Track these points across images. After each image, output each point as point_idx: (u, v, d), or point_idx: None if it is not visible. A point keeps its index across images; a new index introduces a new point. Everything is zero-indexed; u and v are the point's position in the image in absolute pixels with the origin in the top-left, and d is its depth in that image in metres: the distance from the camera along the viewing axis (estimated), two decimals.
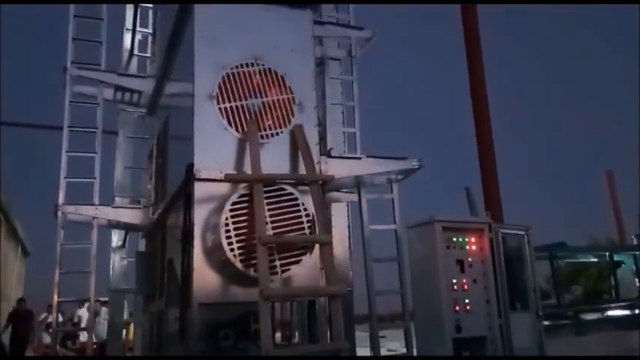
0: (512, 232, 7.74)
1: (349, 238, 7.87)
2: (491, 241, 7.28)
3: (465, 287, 7.03)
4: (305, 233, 4.71)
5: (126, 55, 8.70)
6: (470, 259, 7.19)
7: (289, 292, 4.80)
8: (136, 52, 8.75)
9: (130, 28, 8.69)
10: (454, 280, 6.99)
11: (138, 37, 8.78)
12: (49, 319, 13.35)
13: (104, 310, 11.62)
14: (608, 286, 22.19)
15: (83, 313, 14.61)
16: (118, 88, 7.41)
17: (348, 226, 7.92)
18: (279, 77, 5.16)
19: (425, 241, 7.18)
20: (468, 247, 7.25)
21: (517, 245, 7.80)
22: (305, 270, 4.71)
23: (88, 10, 7.56)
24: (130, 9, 8.75)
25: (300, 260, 4.64)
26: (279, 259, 4.56)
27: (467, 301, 6.97)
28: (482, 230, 7.35)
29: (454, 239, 7.17)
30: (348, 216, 7.91)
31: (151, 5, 8.76)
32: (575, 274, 25.60)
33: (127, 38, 8.72)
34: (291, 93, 5.16)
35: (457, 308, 6.89)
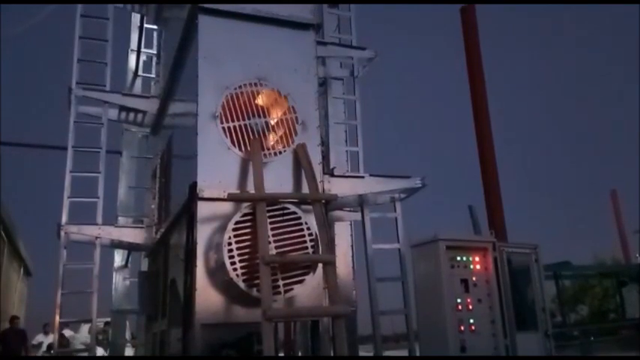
0: (518, 250, 7.68)
1: (352, 257, 7.83)
2: (495, 260, 7.22)
3: (470, 307, 6.95)
4: (308, 252, 4.69)
5: (130, 75, 8.79)
6: (474, 279, 7.12)
7: (292, 312, 4.77)
8: (140, 72, 8.85)
9: (135, 49, 8.79)
10: (459, 300, 6.92)
11: (142, 58, 8.88)
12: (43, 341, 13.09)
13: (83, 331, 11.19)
14: (614, 305, 21.97)
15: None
16: (122, 108, 7.46)
17: (352, 246, 7.88)
18: (283, 97, 5.20)
19: (429, 260, 7.13)
20: (472, 266, 7.18)
21: (524, 264, 7.71)
22: (308, 290, 4.68)
23: (94, 31, 7.64)
24: (135, 31, 8.86)
25: (304, 280, 4.62)
26: (282, 279, 4.54)
27: (472, 321, 6.89)
28: (487, 249, 7.29)
29: (458, 258, 7.11)
30: (351, 235, 7.87)
31: (155, 27, 8.86)
32: (581, 293, 25.38)
33: (132, 59, 8.82)
34: (294, 112, 5.18)
35: (462, 328, 6.81)
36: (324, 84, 7.13)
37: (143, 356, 7.57)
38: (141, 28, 8.80)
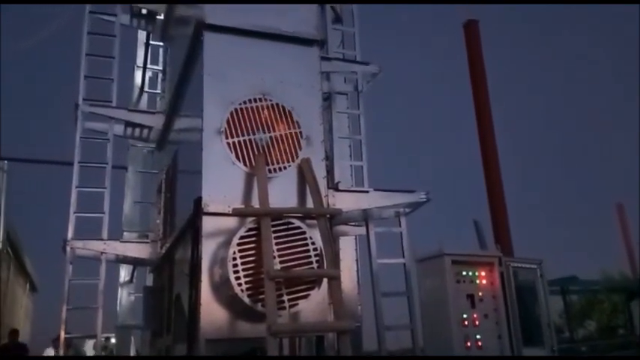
0: (524, 265, 7.63)
1: (357, 272, 7.80)
2: (501, 275, 7.17)
3: (476, 323, 6.90)
4: (313, 267, 4.68)
5: (136, 91, 8.88)
6: (480, 294, 7.08)
7: (297, 327, 4.74)
8: (146, 88, 8.94)
9: (141, 65, 8.88)
10: (465, 316, 6.87)
11: (148, 74, 8.97)
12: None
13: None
14: (622, 320, 21.73)
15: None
16: (128, 123, 7.51)
17: (356, 260, 7.86)
18: (287, 112, 5.23)
19: (434, 275, 7.09)
20: (478, 281, 7.14)
21: (530, 279, 7.66)
22: (313, 305, 4.66)
23: (100, 48, 7.73)
24: (141, 47, 8.97)
25: (309, 295, 4.60)
26: (287, 294, 4.52)
27: (478, 336, 6.83)
28: (493, 264, 7.25)
29: (464, 273, 7.07)
30: (356, 250, 7.86)
31: (161, 44, 8.96)
32: (588, 308, 25.11)
33: (138, 75, 8.91)
34: (299, 127, 5.21)
35: (468, 344, 6.75)
36: (328, 99, 7.17)
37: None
38: (147, 44, 8.91)
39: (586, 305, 25.02)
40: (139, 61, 8.97)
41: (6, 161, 14.51)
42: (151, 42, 8.93)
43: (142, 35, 9.01)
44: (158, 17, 8.17)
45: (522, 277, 7.47)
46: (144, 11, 8.15)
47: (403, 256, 6.96)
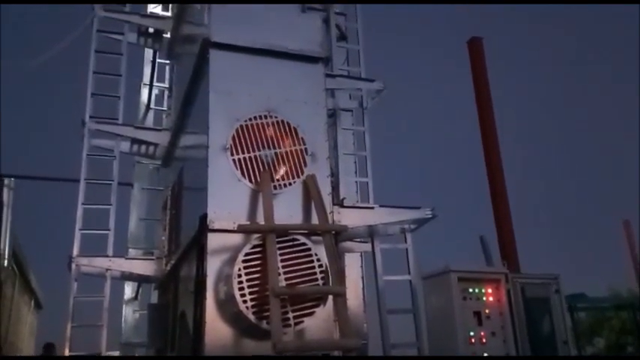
0: (534, 281, 7.54)
1: (363, 289, 7.75)
2: (508, 292, 7.12)
3: (484, 340, 6.84)
4: (318, 284, 4.65)
5: (143, 108, 8.94)
6: (487, 311, 7.03)
7: (303, 345, 4.69)
8: (152, 105, 9.01)
9: (148, 83, 8.97)
10: (472, 333, 6.81)
11: (155, 91, 9.06)
12: None
13: None
14: (632, 338, 21.44)
15: None
16: (134, 140, 7.55)
17: (362, 277, 7.81)
18: (292, 129, 5.25)
19: (440, 292, 7.05)
20: (485, 299, 7.10)
21: (542, 295, 7.55)
22: (318, 322, 4.63)
23: (107, 66, 7.80)
24: (147, 65, 9.06)
25: (314, 312, 4.57)
26: (292, 311, 4.50)
27: (485, 354, 6.76)
28: (499, 281, 7.20)
29: (470, 290, 7.03)
30: (361, 266, 7.81)
31: (167, 62, 9.05)
32: (597, 326, 24.81)
33: (145, 93, 8.99)
34: (304, 144, 5.23)
35: None
36: (333, 115, 7.20)
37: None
38: (154, 62, 9.00)
39: (594, 323, 24.72)
40: (146, 78, 9.06)
41: (12, 178, 14.57)
42: (158, 60, 9.02)
43: (148, 53, 9.11)
44: (165, 35, 8.26)
45: (533, 294, 7.39)
46: (151, 30, 8.25)
47: (409, 273, 6.92)
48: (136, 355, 8.60)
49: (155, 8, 9.23)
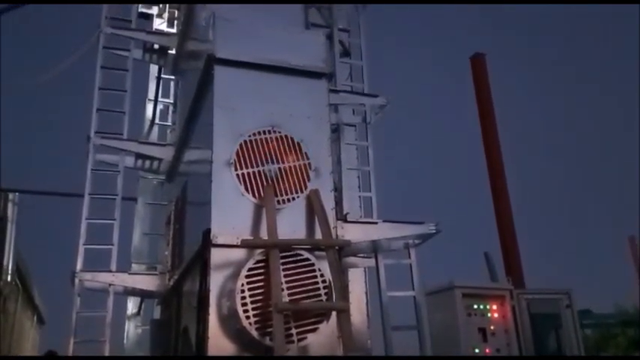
0: (542, 296, 7.45)
1: (367, 304, 7.69)
2: (513, 309, 7.06)
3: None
4: (322, 300, 4.63)
5: (147, 123, 9.00)
6: (492, 328, 6.96)
7: None
8: (157, 121, 9.06)
9: (152, 98, 9.03)
10: (477, 350, 6.75)
11: (159, 106, 9.12)
12: None
13: None
14: (639, 354, 21.19)
15: None
16: (138, 155, 7.58)
17: (366, 293, 7.76)
18: (296, 144, 5.27)
19: (445, 309, 7.00)
20: (489, 315, 7.04)
21: (550, 311, 7.43)
22: (322, 338, 4.59)
23: (113, 82, 7.87)
24: (152, 81, 9.13)
25: (317, 328, 4.54)
26: (296, 327, 4.47)
27: None
28: (504, 297, 7.15)
29: (475, 306, 6.98)
30: (365, 282, 7.77)
31: (172, 77, 9.12)
32: (603, 343, 24.54)
33: (149, 108, 9.05)
34: (308, 159, 5.24)
35: None
36: (336, 130, 7.21)
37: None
38: (158, 78, 9.08)
39: (600, 339, 24.46)
40: (151, 94, 9.13)
41: (17, 193, 14.61)
42: (163, 76, 9.10)
43: (153, 69, 9.18)
44: (170, 52, 8.34)
45: (540, 310, 7.31)
46: (156, 46, 8.32)
47: (413, 289, 6.87)
48: None
49: (161, 25, 9.33)
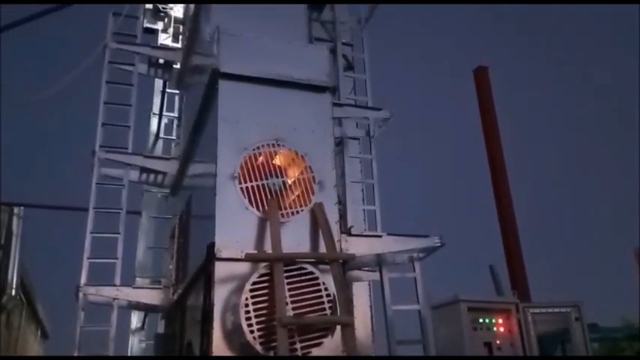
0: (549, 310, 7.37)
1: (371, 318, 7.64)
2: (519, 322, 7.00)
3: None
4: (326, 314, 4.60)
5: (152, 137, 9.04)
6: (498, 342, 6.90)
7: None
8: (161, 135, 9.10)
9: (157, 112, 9.08)
10: None
11: (164, 120, 9.16)
12: None
13: None
14: None
15: None
16: (143, 169, 7.61)
17: (370, 307, 7.71)
18: (300, 157, 5.28)
19: (450, 323, 6.95)
20: (495, 329, 6.98)
21: (556, 325, 7.34)
22: (326, 352, 4.56)
23: (118, 96, 7.92)
24: (157, 95, 9.19)
25: (322, 343, 4.51)
26: (300, 342, 4.44)
27: None
28: (510, 311, 7.09)
29: (480, 320, 6.92)
30: (370, 295, 7.72)
31: (177, 92, 9.18)
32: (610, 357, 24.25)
33: (154, 122, 9.09)
34: (312, 172, 5.24)
35: None
36: (340, 144, 7.23)
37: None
38: (163, 92, 9.13)
39: (607, 354, 24.19)
40: (156, 108, 9.18)
41: (22, 207, 14.65)
42: (167, 90, 9.15)
43: (158, 83, 9.24)
44: (175, 66, 8.40)
45: (546, 323, 7.23)
46: (161, 61, 8.39)
47: (418, 303, 6.82)
48: None
49: (165, 40, 9.41)
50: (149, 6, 9.27)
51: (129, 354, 8.04)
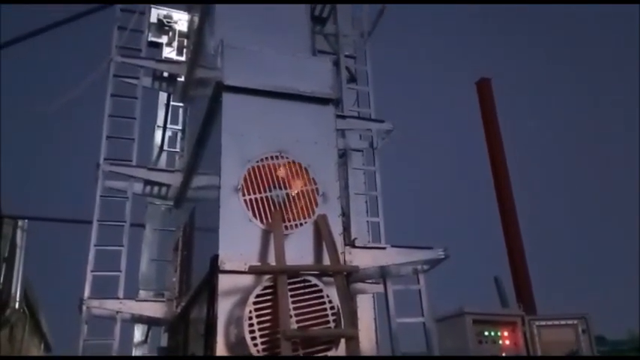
0: (555, 322, 7.29)
1: (376, 331, 7.59)
2: (524, 335, 6.93)
3: None
4: (330, 326, 4.58)
5: (156, 150, 9.07)
6: (504, 355, 6.83)
7: None
8: (165, 147, 9.13)
9: (161, 125, 9.13)
10: None
11: (168, 133, 9.20)
12: None
13: None
14: None
15: None
16: (147, 182, 7.62)
17: (375, 319, 7.67)
18: (303, 169, 5.28)
19: (455, 335, 6.89)
20: (501, 342, 6.91)
21: (563, 337, 7.25)
22: None
23: (123, 109, 7.96)
24: (161, 108, 9.25)
25: (326, 355, 4.48)
26: (304, 354, 4.41)
27: None
28: (515, 323, 7.03)
29: (486, 333, 6.86)
30: (374, 308, 7.68)
31: (181, 104, 9.23)
32: None
33: (158, 135, 9.13)
34: (315, 184, 5.24)
35: None
36: (344, 155, 7.23)
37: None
38: (167, 105, 9.19)
39: None
40: (160, 120, 9.23)
41: (26, 220, 14.68)
42: (172, 103, 9.21)
43: (162, 96, 9.30)
44: (179, 79, 8.45)
45: (552, 336, 7.14)
46: (165, 74, 8.45)
47: (422, 315, 6.78)
48: None
49: (170, 53, 9.48)
50: (154, 20, 9.35)
51: None
